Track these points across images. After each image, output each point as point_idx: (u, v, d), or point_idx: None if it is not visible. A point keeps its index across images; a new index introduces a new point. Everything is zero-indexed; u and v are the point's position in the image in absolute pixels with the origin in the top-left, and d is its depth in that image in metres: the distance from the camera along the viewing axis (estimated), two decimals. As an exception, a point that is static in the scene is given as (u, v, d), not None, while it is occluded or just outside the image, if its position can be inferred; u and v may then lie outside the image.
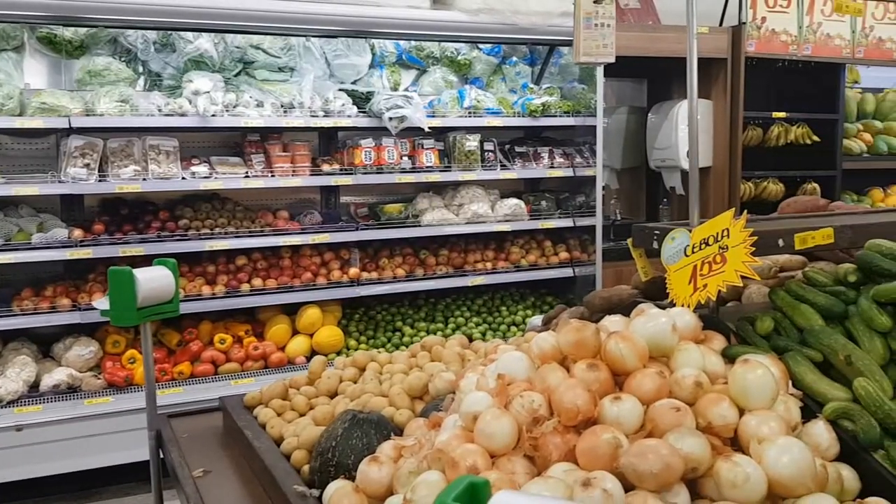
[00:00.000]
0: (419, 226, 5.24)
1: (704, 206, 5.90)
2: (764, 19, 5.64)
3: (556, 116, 5.47)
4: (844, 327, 1.99)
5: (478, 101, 5.37)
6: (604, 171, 6.30)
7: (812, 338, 1.96)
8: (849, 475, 1.74)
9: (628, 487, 1.56)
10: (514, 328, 5.41)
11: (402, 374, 2.40)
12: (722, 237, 2.07)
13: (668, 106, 5.95)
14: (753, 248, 2.00)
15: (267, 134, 5.15)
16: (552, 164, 5.57)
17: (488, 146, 5.44)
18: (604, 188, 6.30)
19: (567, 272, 5.68)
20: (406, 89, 5.58)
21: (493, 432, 1.70)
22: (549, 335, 1.94)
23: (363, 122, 5.08)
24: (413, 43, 5.57)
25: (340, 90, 5.16)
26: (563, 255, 5.73)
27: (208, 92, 4.69)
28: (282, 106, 4.91)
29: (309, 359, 4.62)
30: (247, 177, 4.84)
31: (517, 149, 5.62)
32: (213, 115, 4.63)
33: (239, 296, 4.90)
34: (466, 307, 5.52)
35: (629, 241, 2.42)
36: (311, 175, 5.02)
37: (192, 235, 4.75)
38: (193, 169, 4.74)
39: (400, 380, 2.35)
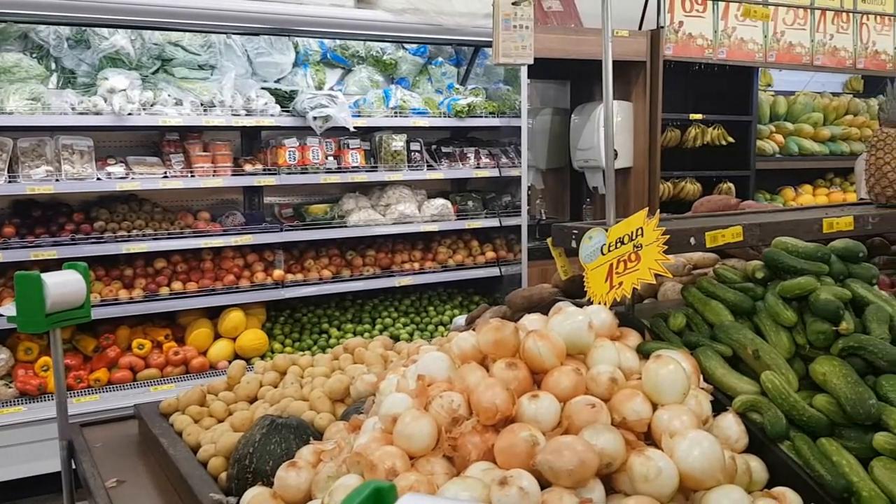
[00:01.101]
0: (345, 226, 5.19)
1: (626, 206, 6.04)
2: (681, 23, 5.81)
3: (481, 117, 5.50)
4: (753, 322, 2.06)
5: (404, 102, 5.36)
6: (529, 171, 6.38)
7: (722, 333, 2.02)
8: (757, 466, 1.80)
9: (545, 485, 1.58)
10: (441, 328, 5.42)
11: (323, 377, 2.37)
12: (636, 236, 2.12)
13: (591, 107, 6.07)
14: (666, 247, 2.05)
15: (186, 133, 5.02)
16: (478, 164, 5.61)
17: (415, 146, 5.43)
18: (529, 188, 6.38)
19: (494, 271, 5.73)
20: (331, 88, 5.52)
21: (411, 434, 1.69)
22: (470, 335, 1.95)
23: (287, 121, 5.01)
24: (338, 42, 5.53)
25: (263, 89, 5.08)
26: (490, 254, 5.77)
27: (125, 90, 4.55)
28: (202, 104, 4.80)
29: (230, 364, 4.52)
30: (165, 177, 4.71)
31: (444, 149, 5.63)
32: (129, 114, 4.50)
33: (158, 300, 4.76)
34: (394, 308, 5.50)
35: (549, 240, 2.45)
36: (233, 175, 4.92)
37: (108, 238, 4.60)
38: (109, 169, 4.58)
39: (321, 383, 2.32)
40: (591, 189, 6.31)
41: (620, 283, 2.10)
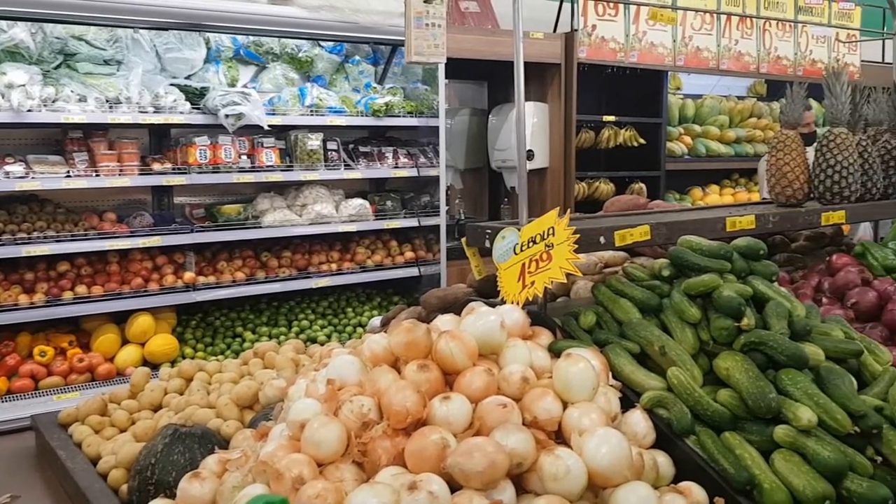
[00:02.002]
0: (260, 227, 5.07)
1: (542, 206, 6.11)
2: (594, 27, 5.91)
3: (399, 116, 5.47)
4: (660, 319, 2.10)
5: (320, 100, 5.27)
6: (448, 171, 6.38)
7: (630, 330, 2.05)
8: (664, 461, 1.83)
9: (456, 487, 1.57)
10: (360, 329, 5.35)
11: (231, 383, 2.30)
12: (548, 235, 2.13)
13: (508, 108, 6.11)
14: (577, 246, 2.07)
15: (91, 131, 4.80)
16: (397, 164, 5.57)
17: (332, 145, 5.35)
18: (448, 188, 6.38)
19: (413, 272, 5.70)
20: (244, 86, 5.38)
21: (320, 440, 1.65)
22: (381, 337, 1.92)
23: (198, 119, 4.85)
24: (251, 38, 5.39)
25: (172, 85, 4.90)
26: (409, 254, 5.74)
27: (24, 85, 4.31)
28: (107, 101, 4.60)
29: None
30: (68, 176, 4.49)
31: (361, 148, 5.57)
32: (29, 111, 4.27)
33: (61, 304, 4.54)
34: (311, 310, 5.41)
35: (463, 240, 2.45)
36: (141, 174, 4.73)
37: (6, 240, 4.35)
38: (7, 168, 4.34)
39: (228, 389, 2.25)
40: (509, 189, 6.36)
41: (532, 283, 2.11)
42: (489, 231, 2.31)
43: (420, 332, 1.85)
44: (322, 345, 4.86)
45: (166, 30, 5.00)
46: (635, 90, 6.52)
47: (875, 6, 7.30)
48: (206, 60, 5.26)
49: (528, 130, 6.02)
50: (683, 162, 6.86)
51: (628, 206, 3.09)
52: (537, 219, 2.17)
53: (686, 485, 1.74)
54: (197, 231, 4.90)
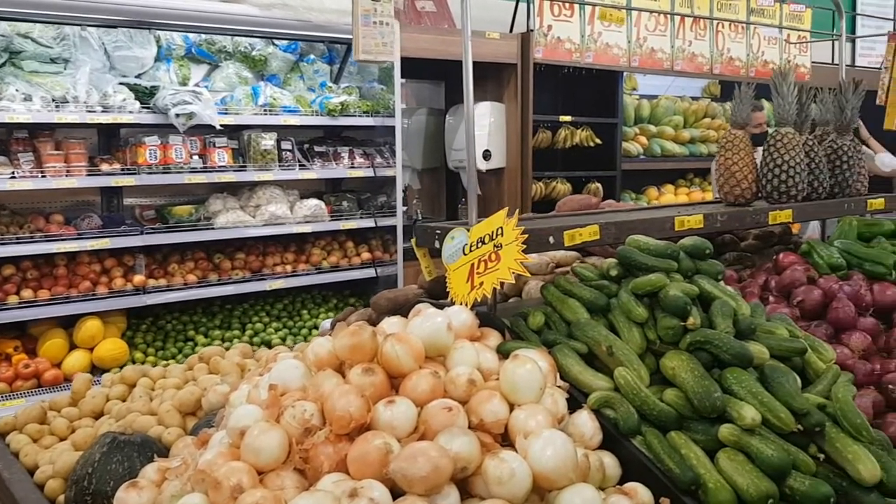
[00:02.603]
0: (212, 228, 4.98)
1: (499, 205, 6.05)
2: (550, 27, 5.93)
3: (355, 116, 5.42)
4: (608, 319, 2.09)
5: (274, 99, 5.20)
6: (405, 171, 6.36)
7: (578, 331, 2.04)
8: (611, 462, 1.82)
9: (400, 493, 1.54)
10: (315, 332, 5.30)
11: (174, 389, 2.24)
12: (496, 236, 2.11)
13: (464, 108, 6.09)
14: (525, 246, 2.06)
15: (37, 131, 4.67)
16: (352, 164, 5.52)
17: (286, 145, 5.28)
18: (406, 188, 6.35)
19: (370, 272, 5.66)
20: (197, 85, 5.29)
21: (260, 447, 1.61)
22: (326, 340, 1.88)
23: (147, 118, 4.75)
24: (203, 36, 5.30)
25: (121, 84, 4.79)
26: (366, 255, 5.70)
27: (-36, 83, 4.19)
28: (53, 100, 4.48)
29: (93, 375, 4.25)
30: (13, 177, 4.36)
31: (316, 148, 5.51)
32: (-30, 110, 4.14)
33: (6, 309, 4.41)
34: (265, 312, 5.34)
35: (413, 240, 2.42)
36: (89, 175, 4.62)
37: (-54, 243, 4.22)
38: (-53, 169, 4.20)
39: (171, 395, 2.19)
40: (467, 189, 6.35)
41: (481, 283, 2.09)
42: (438, 231, 2.29)
43: (365, 334, 1.82)
44: (264, 349, 4.82)
45: (115, 27, 4.89)
46: (591, 90, 6.56)
47: (825, 8, 7.42)
48: (157, 59, 5.16)
49: (485, 130, 6.02)
50: (639, 162, 6.93)
51: (580, 206, 3.09)
52: (486, 219, 2.16)
53: (631, 485, 1.74)
54: (147, 233, 4.80)
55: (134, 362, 4.76)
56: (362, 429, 1.66)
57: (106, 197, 5.16)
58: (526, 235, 2.06)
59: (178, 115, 4.71)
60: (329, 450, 1.62)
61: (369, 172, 5.52)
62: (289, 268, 5.35)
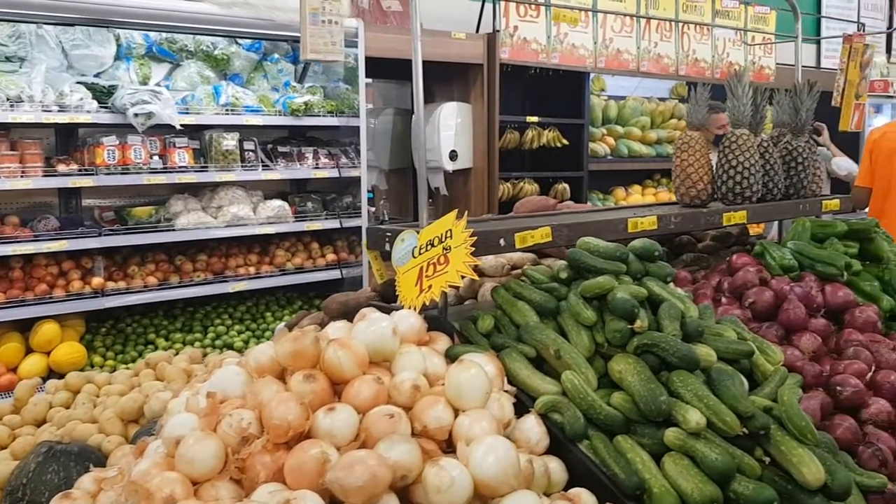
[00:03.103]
0: (173, 230, 4.90)
1: (466, 206, 6.09)
2: (516, 28, 5.91)
3: (319, 116, 5.36)
4: (557, 322, 2.08)
5: (236, 99, 5.13)
6: (372, 171, 6.31)
7: (527, 334, 2.02)
8: (557, 467, 1.81)
9: (339, 503, 1.51)
10: (279, 334, 5.24)
11: (118, 396, 2.19)
12: (446, 238, 2.09)
13: (431, 108, 6.07)
14: (474, 249, 2.03)
15: (-10, 131, 4.58)
16: (317, 164, 5.46)
17: (248, 145, 5.21)
18: (373, 189, 6.31)
19: (335, 274, 5.61)
20: (158, 84, 5.21)
21: (194, 457, 1.57)
22: (268, 346, 1.85)
23: (106, 118, 4.66)
24: (164, 35, 5.21)
25: (79, 83, 4.70)
26: (331, 256, 5.65)
27: (-86, 82, 4.09)
28: (8, 99, 4.38)
29: (46, 380, 4.16)
30: (-35, 178, 4.27)
31: (280, 149, 5.45)
32: (-80, 109, 4.04)
33: (-42, 313, 4.31)
34: (228, 315, 5.27)
35: (364, 242, 2.38)
36: (45, 176, 4.52)
37: None
38: None
39: (114, 403, 2.13)
40: (434, 190, 6.33)
41: (430, 287, 2.06)
42: (389, 234, 2.26)
43: (307, 340, 1.78)
44: (240, 352, 4.76)
45: (72, 25, 4.79)
46: (558, 91, 6.56)
47: (789, 10, 7.49)
48: (117, 58, 5.07)
49: (452, 131, 5.99)
50: (606, 162, 6.94)
51: (538, 207, 3.08)
52: (436, 221, 2.13)
53: (575, 491, 1.72)
54: (105, 234, 4.71)
55: (93, 366, 4.68)
56: (301, 437, 1.62)
57: (64, 198, 5.06)
58: (474, 238, 2.03)
59: (136, 115, 4.64)
60: (266, 459, 1.58)
61: (334, 173, 5.47)
62: (252, 269, 5.28)
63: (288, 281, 5.39)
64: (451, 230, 2.08)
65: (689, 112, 2.99)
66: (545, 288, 2.13)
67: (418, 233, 2.16)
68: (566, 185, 6.52)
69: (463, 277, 2.55)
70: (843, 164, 6.12)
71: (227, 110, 5.06)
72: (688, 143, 2.96)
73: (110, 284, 4.78)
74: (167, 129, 4.84)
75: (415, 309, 2.07)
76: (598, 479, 1.76)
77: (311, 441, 1.56)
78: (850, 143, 6.02)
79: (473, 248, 2.04)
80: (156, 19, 4.80)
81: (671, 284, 2.21)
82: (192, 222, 4.97)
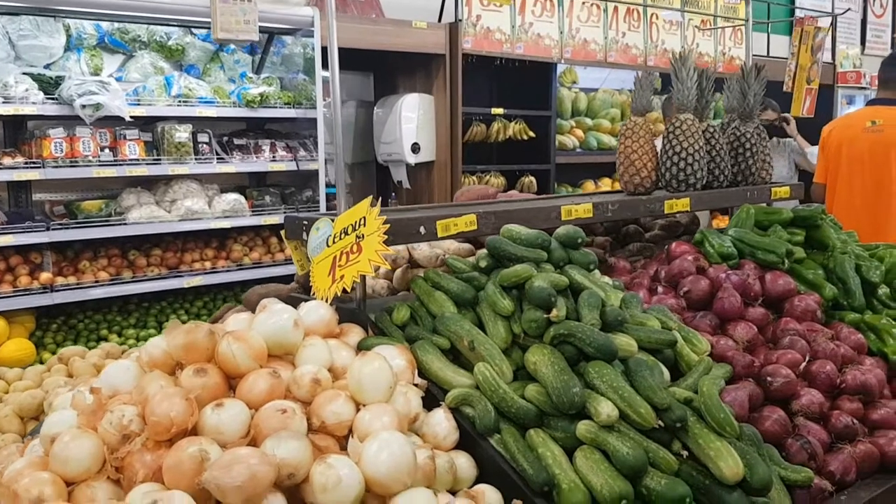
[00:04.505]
0: (125, 224, 4.78)
1: (429, 199, 6.00)
2: (479, 17, 5.82)
3: (276, 108, 5.25)
4: (476, 313, 1.99)
5: (189, 90, 5.01)
6: (334, 165, 6.20)
7: (441, 325, 1.94)
8: (465, 463, 1.72)
9: None
10: (236, 330, 5.13)
11: (20, 392, 2.08)
12: (359, 226, 2.00)
13: (393, 100, 5.97)
14: (386, 237, 1.94)
15: (-68, 123, 4.45)
16: (274, 157, 5.35)
17: (202, 138, 5.10)
18: (335, 183, 6.20)
19: (294, 269, 5.50)
20: (110, 75, 5.08)
21: (68, 456, 1.48)
22: (160, 339, 1.75)
23: (52, 109, 4.53)
24: (117, 25, 5.09)
25: (25, 74, 4.58)
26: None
27: None
28: (-49, 91, 4.27)
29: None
30: None
31: (236, 141, 5.33)
32: None
33: None
34: (184, 310, 5.16)
35: (283, 232, 2.29)
36: (-10, 169, 4.40)
37: None
38: None
39: (15, 399, 2.03)
40: (396, 183, 6.23)
41: (342, 277, 1.97)
42: (306, 223, 2.17)
43: (200, 333, 1.69)
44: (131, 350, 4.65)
45: (18, 14, 4.67)
46: (524, 83, 6.47)
47: (762, 0, 7.43)
48: (68, 49, 4.95)
49: (414, 123, 5.90)
50: (575, 155, 6.86)
51: (477, 196, 2.99)
52: (351, 208, 2.04)
53: (479, 488, 1.64)
54: (54, 229, 4.59)
55: (42, 363, 4.55)
56: (188, 435, 1.53)
57: (14, 192, 4.94)
58: (387, 226, 1.94)
59: (83, 107, 4.51)
60: (147, 458, 1.49)
61: (292, 166, 5.37)
62: (208, 264, 5.17)
63: (245, 276, 5.28)
64: (364, 218, 1.99)
65: (634, 98, 2.91)
66: (465, 277, 2.05)
67: (333, 221, 2.07)
68: (533, 179, 6.44)
69: (377, 269, 2.47)
70: (817, 153, 6.05)
71: (179, 102, 4.94)
72: (632, 129, 2.88)
73: (60, 280, 4.66)
74: (117, 121, 4.72)
75: (327, 300, 1.98)
76: (507, 475, 1.68)
77: (190, 439, 1.47)
78: (811, 133, 5.94)
79: (387, 237, 1.94)
80: (103, 8, 4.69)
81: (596, 273, 2.13)
82: (144, 216, 4.85)
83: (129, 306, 5.10)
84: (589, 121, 7.07)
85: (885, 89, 4.75)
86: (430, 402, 1.82)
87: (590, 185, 7.13)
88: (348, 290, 1.96)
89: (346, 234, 2.01)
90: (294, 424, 1.56)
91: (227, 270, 5.23)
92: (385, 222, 1.94)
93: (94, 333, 4.83)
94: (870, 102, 5.12)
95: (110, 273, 4.85)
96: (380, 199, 2.00)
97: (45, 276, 4.61)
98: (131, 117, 4.72)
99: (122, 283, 4.86)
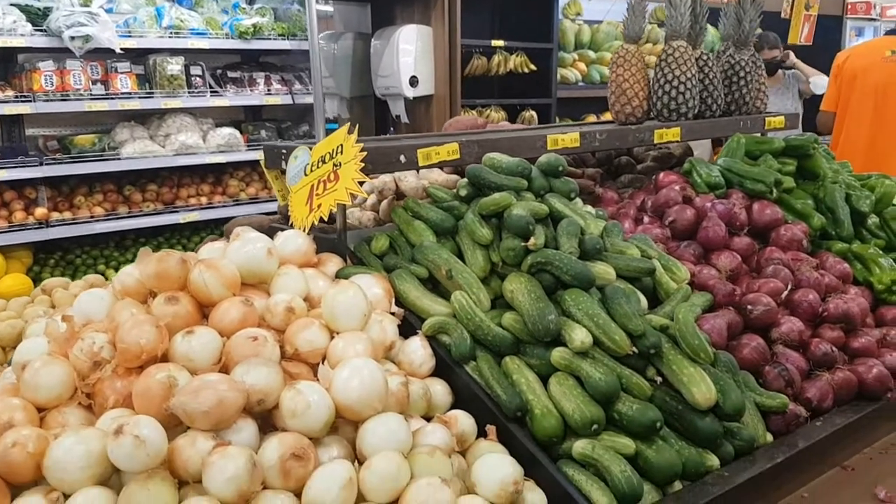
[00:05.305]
0: (118, 159, 4.77)
1: (428, 134, 5.91)
2: (478, -56, 5.64)
3: (270, 39, 5.17)
4: (456, 242, 1.97)
5: (181, 21, 4.92)
6: (333, 99, 6.11)
7: (419, 254, 1.92)
8: (441, 390, 1.73)
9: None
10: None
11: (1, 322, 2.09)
12: (336, 154, 1.96)
13: (390, 31, 5.83)
14: (363, 165, 1.91)
15: (-81, 55, 4.39)
16: (269, 90, 5.29)
17: (195, 70, 5.04)
18: (335, 118, 6.11)
19: (292, 204, 5.48)
20: (100, 6, 4.98)
21: (39, 383, 1.49)
22: (133, 268, 1.74)
23: (41, 41, 4.48)
24: (105, -46, 4.97)
25: (12, 5, 4.50)
26: (288, 186, 5.52)
27: None
28: (-64, 22, 4.20)
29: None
30: None
31: (230, 74, 5.27)
32: None
33: None
34: (182, 246, 5.18)
35: (261, 162, 2.26)
36: (-21, 103, 4.37)
37: None
38: None
39: (-4, 330, 2.04)
40: (395, 118, 6.14)
41: (319, 206, 1.95)
42: (285, 151, 2.14)
43: (172, 261, 1.68)
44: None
45: (3, -58, 4.55)
46: (526, 14, 6.30)
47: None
48: (58, -21, 4.85)
49: (411, 56, 5.77)
50: (578, 89, 6.73)
51: (467, 127, 2.94)
52: (328, 136, 2.00)
53: (452, 413, 1.65)
54: (47, 163, 4.58)
55: (41, 299, 4.59)
56: (158, 362, 1.53)
57: (6, 127, 4.91)
58: (364, 154, 1.91)
59: (72, 38, 4.45)
60: (118, 385, 1.50)
61: (287, 99, 5.31)
62: (204, 200, 5.16)
63: (242, 211, 5.27)
64: (341, 146, 1.95)
65: (626, 25, 2.83)
66: (445, 207, 2.02)
67: (311, 149, 2.03)
68: (534, 113, 6.33)
69: (364, 201, 2.45)
70: (820, 83, 5.92)
71: (171, 33, 4.86)
72: (624, 56, 2.80)
73: (55, 215, 4.67)
74: (108, 53, 4.65)
75: (304, 229, 1.96)
76: (482, 401, 1.68)
77: (159, 365, 1.47)
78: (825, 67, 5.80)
79: (365, 165, 1.91)
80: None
81: (578, 202, 2.09)
82: (138, 151, 4.83)
83: (125, 241, 5.12)
84: (592, 54, 6.91)
85: None
86: (407, 330, 1.82)
87: (592, 119, 7.01)
88: (325, 218, 1.94)
89: (324, 162, 1.98)
90: (265, 352, 1.56)
91: (224, 206, 5.23)
92: (363, 150, 1.91)
93: (92, 269, 4.86)
94: (889, 32, 5.00)
95: (106, 208, 4.86)
96: (357, 126, 1.96)
97: (40, 211, 4.61)
98: (122, 49, 4.65)
99: (117, 218, 4.87)
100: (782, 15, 4.74)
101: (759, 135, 2.90)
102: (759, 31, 3.16)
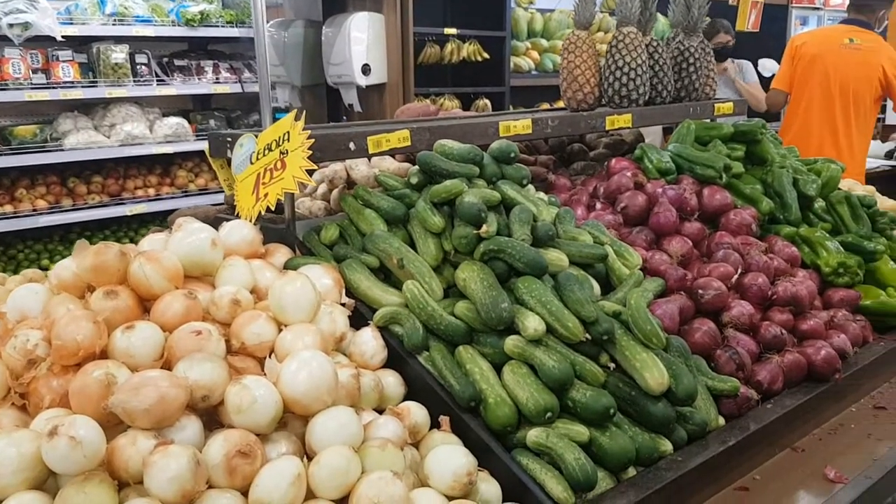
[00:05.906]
0: (62, 150, 4.62)
1: (381, 123, 5.85)
2: (429, -69, 5.59)
3: (218, 27, 5.06)
4: (407, 231, 1.94)
5: (124, 8, 4.78)
6: (284, 88, 6.01)
7: (370, 243, 1.88)
8: (393, 381, 1.70)
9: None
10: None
11: (-67, 321, 1.99)
12: (283, 141, 1.91)
13: (342, 19, 5.75)
14: (312, 153, 1.87)
15: None
16: (217, 78, 5.18)
17: (141, 59, 4.90)
18: (286, 107, 6.01)
19: (244, 195, 5.38)
20: (40, -7, 4.81)
21: (-32, 383, 1.42)
22: (70, 262, 1.68)
23: (-24, 29, 4.30)
24: (44, -62, 4.80)
25: (-55, -9, 4.31)
26: (239, 177, 5.42)
27: None
28: None
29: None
30: None
31: (177, 62, 5.14)
32: None
33: None
34: (129, 238, 5.05)
35: (206, 150, 2.20)
36: (-88, 93, 4.19)
37: None
38: None
39: (-74, 329, 1.94)
40: (348, 106, 6.07)
41: (266, 195, 1.90)
42: (230, 139, 2.08)
43: (110, 254, 1.62)
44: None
45: (-68, -75, 4.36)
46: (478, 2, 6.28)
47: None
48: (-10, -37, 4.66)
49: (363, 44, 5.70)
50: (531, 77, 6.73)
51: (418, 114, 2.90)
52: (274, 123, 1.95)
53: (406, 405, 1.62)
54: (-16, 156, 4.41)
55: (-19, 296, 4.43)
56: (97, 359, 1.47)
57: (-58, 118, 4.72)
58: (311, 141, 1.86)
59: (11, 26, 4.28)
60: (54, 383, 1.43)
61: (236, 88, 5.20)
62: (151, 191, 5.04)
63: (191, 203, 5.16)
64: (288, 133, 1.90)
65: (577, 10, 2.82)
66: (396, 195, 1.98)
67: (256, 137, 1.98)
68: (487, 101, 6.32)
69: (314, 190, 2.40)
70: (768, 65, 6.06)
71: (114, 21, 4.72)
72: (575, 43, 2.79)
73: (-6, 209, 4.51)
74: (49, 41, 4.50)
75: (250, 219, 1.91)
76: (436, 392, 1.66)
77: (97, 363, 1.41)
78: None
79: (313, 153, 1.87)
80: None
81: (530, 188, 2.08)
82: (82, 142, 4.69)
83: (70, 235, 4.98)
84: (545, 42, 6.92)
85: (858, 13, 4.83)
86: (359, 321, 1.78)
87: (545, 108, 7.02)
88: (272, 208, 1.89)
89: (270, 150, 1.93)
90: (210, 346, 1.51)
91: (172, 197, 5.11)
92: (311, 137, 1.86)
93: (35, 264, 4.72)
94: (844, 21, 5.15)
95: (49, 201, 4.71)
96: (304, 113, 1.91)
97: (-22, 205, 4.45)
98: (63, 37, 4.50)
99: (61, 211, 4.73)
100: (730, 2, 4.80)
101: (708, 120, 2.92)
102: (707, 18, 3.18)
